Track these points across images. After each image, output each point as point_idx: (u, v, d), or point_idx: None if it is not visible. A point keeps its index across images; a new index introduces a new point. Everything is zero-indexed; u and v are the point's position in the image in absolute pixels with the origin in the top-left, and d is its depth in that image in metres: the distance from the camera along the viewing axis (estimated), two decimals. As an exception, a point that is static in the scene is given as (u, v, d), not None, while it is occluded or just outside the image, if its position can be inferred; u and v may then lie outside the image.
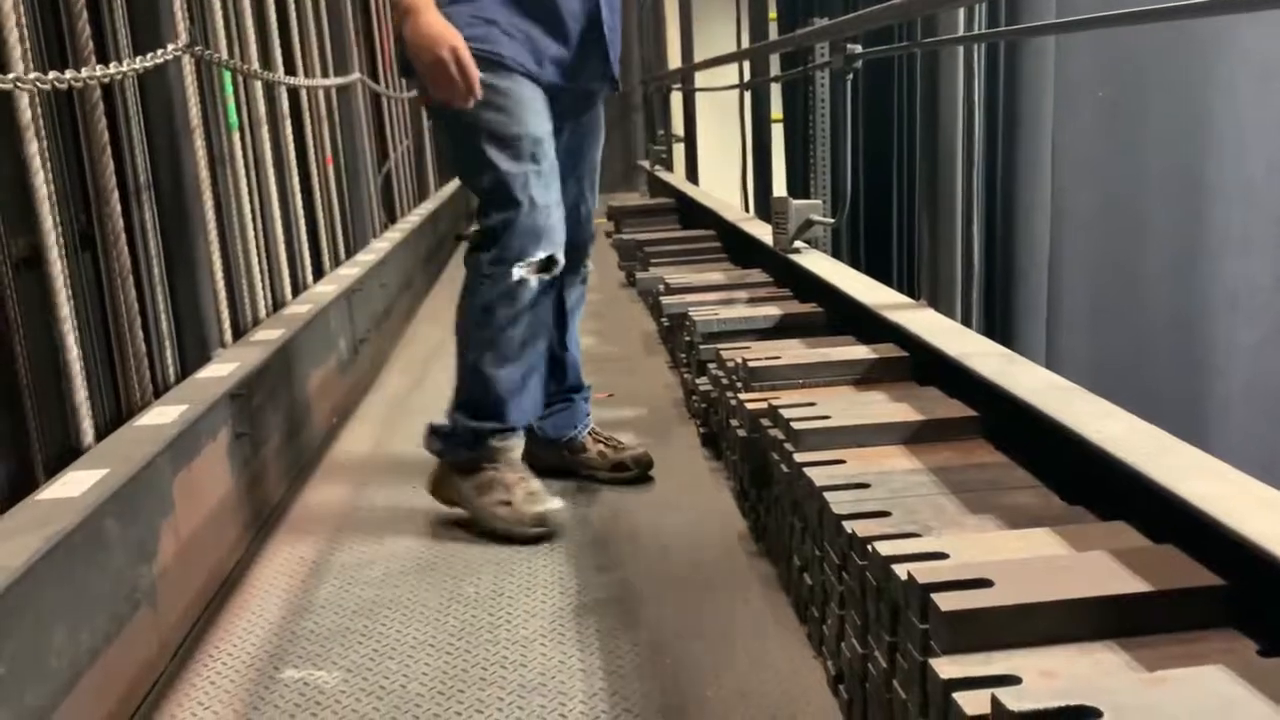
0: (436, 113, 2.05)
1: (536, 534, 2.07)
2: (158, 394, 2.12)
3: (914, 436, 1.73)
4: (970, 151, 2.16)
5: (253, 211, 2.93)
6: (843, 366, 2.05)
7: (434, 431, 2.16)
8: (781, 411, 1.80)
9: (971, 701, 0.98)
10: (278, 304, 3.03)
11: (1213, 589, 1.10)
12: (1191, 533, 1.17)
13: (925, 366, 1.98)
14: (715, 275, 3.44)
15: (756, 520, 2.06)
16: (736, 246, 4.03)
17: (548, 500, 2.10)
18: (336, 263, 4.06)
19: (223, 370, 2.10)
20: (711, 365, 2.48)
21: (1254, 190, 2.72)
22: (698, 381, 2.64)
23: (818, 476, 1.58)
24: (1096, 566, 1.16)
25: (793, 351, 2.16)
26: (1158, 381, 2.70)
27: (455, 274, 5.96)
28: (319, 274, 3.61)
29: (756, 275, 3.40)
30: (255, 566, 2.06)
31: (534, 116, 2.01)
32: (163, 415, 1.78)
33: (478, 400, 2.08)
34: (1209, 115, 2.69)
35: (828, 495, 1.51)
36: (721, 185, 5.79)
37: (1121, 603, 1.09)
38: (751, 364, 2.07)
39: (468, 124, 1.98)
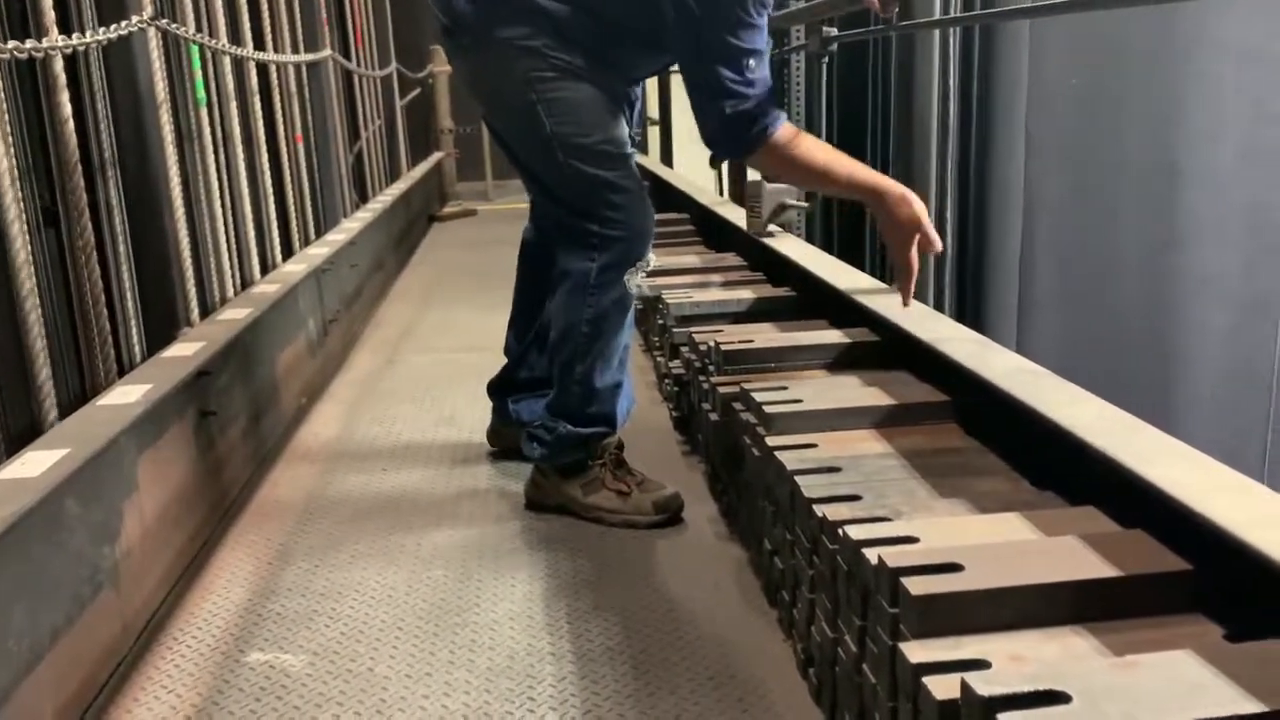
0: (505, 127, 2.04)
1: (660, 520, 2.04)
2: (122, 373, 2.09)
3: (885, 420, 1.72)
4: (944, 137, 2.15)
5: (221, 189, 2.89)
6: (815, 350, 2.04)
7: (533, 439, 2.12)
8: (754, 395, 1.79)
9: (941, 686, 0.98)
10: (246, 283, 2.99)
11: (1181, 574, 1.11)
12: (1160, 518, 1.17)
13: (897, 351, 1.98)
14: (689, 258, 3.43)
15: (728, 504, 2.05)
16: (710, 230, 4.02)
17: (661, 486, 2.08)
18: (306, 242, 4.01)
19: (188, 349, 2.06)
20: (684, 349, 2.47)
21: (1225, 177, 2.73)
22: (670, 365, 2.63)
23: (789, 460, 1.57)
24: (1066, 551, 1.16)
25: (766, 335, 2.16)
26: (1128, 367, 2.72)
27: (428, 256, 5.93)
28: (288, 253, 3.57)
29: (730, 259, 3.38)
30: (221, 549, 2.04)
31: (620, 123, 2.00)
32: (126, 394, 1.75)
33: (583, 408, 2.05)
34: (1182, 102, 2.70)
35: (799, 479, 1.50)
36: (695, 168, 5.77)
37: (1090, 587, 1.09)
38: (725, 348, 2.06)
39: (561, 140, 1.93)
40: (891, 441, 1.65)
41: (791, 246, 2.91)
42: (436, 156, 8.29)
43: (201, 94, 2.78)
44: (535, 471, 2.15)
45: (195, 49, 2.72)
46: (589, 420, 2.05)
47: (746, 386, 1.85)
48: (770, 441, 1.66)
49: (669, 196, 5.08)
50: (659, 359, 2.91)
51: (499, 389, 2.43)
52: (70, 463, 1.43)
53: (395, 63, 6.97)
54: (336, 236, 3.76)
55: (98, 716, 1.49)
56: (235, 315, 2.41)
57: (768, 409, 1.73)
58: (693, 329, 2.44)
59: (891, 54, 2.45)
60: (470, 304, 4.22)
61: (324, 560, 1.98)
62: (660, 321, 2.83)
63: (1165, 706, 0.88)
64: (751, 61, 1.85)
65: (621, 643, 1.65)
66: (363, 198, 5.44)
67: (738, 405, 1.87)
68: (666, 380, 2.72)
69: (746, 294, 2.70)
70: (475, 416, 2.67)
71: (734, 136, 1.92)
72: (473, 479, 2.36)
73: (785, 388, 1.84)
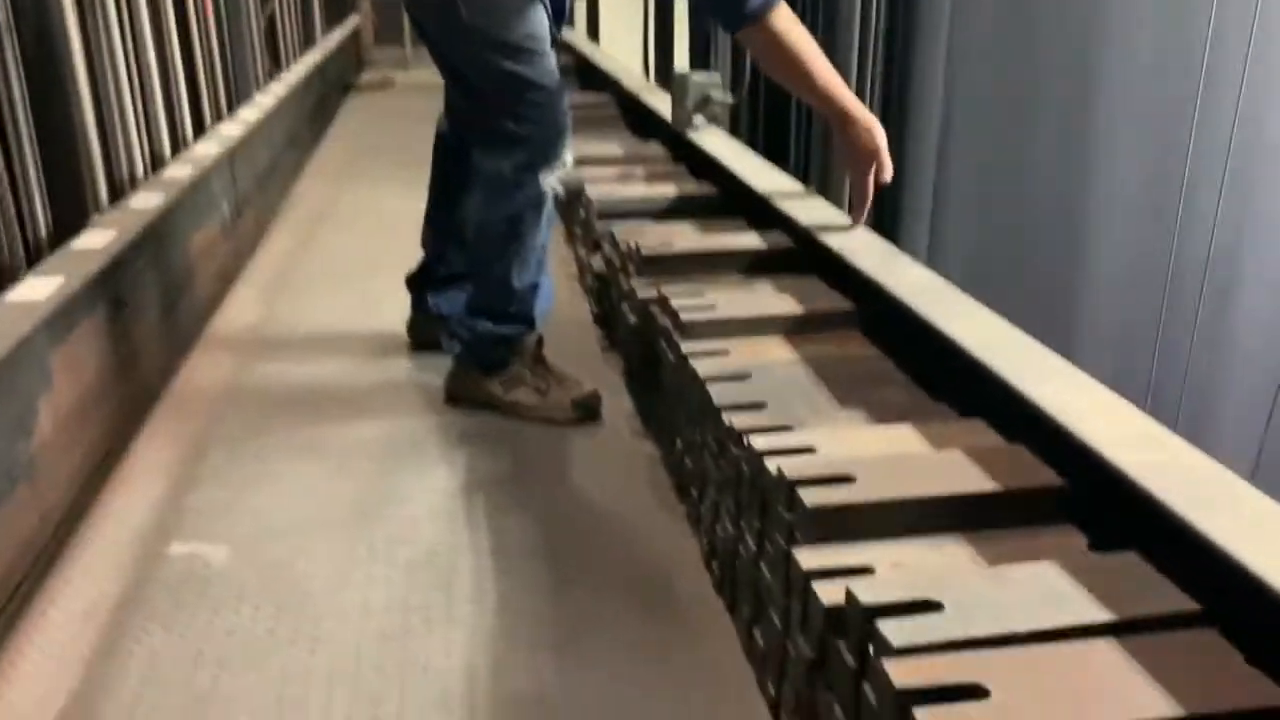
0: (425, 17, 1.98)
1: (578, 418, 2.09)
2: (30, 261, 2.04)
3: (794, 328, 1.78)
4: (865, 40, 2.16)
5: (126, 60, 2.77)
6: (732, 256, 2.08)
7: (453, 336, 2.14)
8: (671, 301, 1.83)
9: (828, 591, 1.06)
10: (155, 160, 2.90)
11: (1053, 489, 1.20)
12: (1039, 433, 1.26)
13: (810, 256, 2.03)
14: (612, 147, 3.41)
15: (644, 402, 2.11)
16: (634, 114, 3.98)
17: (580, 384, 2.12)
18: (217, 115, 3.88)
19: (100, 240, 2.02)
20: (606, 245, 2.49)
21: (1139, 84, 2.80)
22: (591, 260, 2.65)
23: (702, 367, 1.63)
24: (950, 465, 1.24)
25: (685, 239, 2.18)
26: (1037, 271, 2.83)
27: (344, 129, 5.77)
28: (199, 128, 3.45)
29: (654, 149, 3.38)
30: (138, 440, 2.05)
31: (540, 20, 1.96)
32: (38, 289, 1.72)
33: (502, 308, 2.07)
34: (1103, 10, 2.73)
35: (710, 387, 1.56)
36: (623, 47, 5.66)
37: (971, 500, 1.18)
38: (645, 251, 2.09)
39: (479, 33, 1.90)
40: (799, 349, 1.71)
41: (714, 142, 2.92)
42: (353, 21, 7.98)
43: (102, -42, 2.63)
44: (455, 366, 2.18)
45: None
46: (508, 319, 2.08)
47: (664, 291, 1.89)
48: (685, 347, 1.71)
49: (594, 76, 5.01)
50: (580, 252, 2.92)
51: (418, 283, 2.43)
52: (-18, 363, 1.42)
53: (309, -79, 6.62)
54: (250, 113, 3.65)
55: (20, 607, 1.51)
56: (147, 203, 2.35)
57: (684, 315, 1.78)
58: (614, 224, 2.46)
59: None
60: (388, 183, 4.15)
61: (243, 451, 2.00)
62: (583, 214, 2.84)
63: (1027, 615, 0.97)
64: None
65: (537, 537, 1.72)
66: (276, 65, 5.25)
67: (655, 309, 1.92)
68: (588, 274, 2.74)
69: (669, 189, 2.71)
70: (394, 305, 2.66)
71: (728, 2, 1.91)
72: (392, 371, 2.38)
73: (702, 293, 1.89)
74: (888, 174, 1.95)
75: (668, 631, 1.49)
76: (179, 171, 2.67)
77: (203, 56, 3.62)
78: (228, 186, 3.08)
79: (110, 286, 1.99)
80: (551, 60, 1.96)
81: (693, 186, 2.77)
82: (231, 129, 3.31)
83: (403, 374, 2.37)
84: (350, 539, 1.71)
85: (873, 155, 1.93)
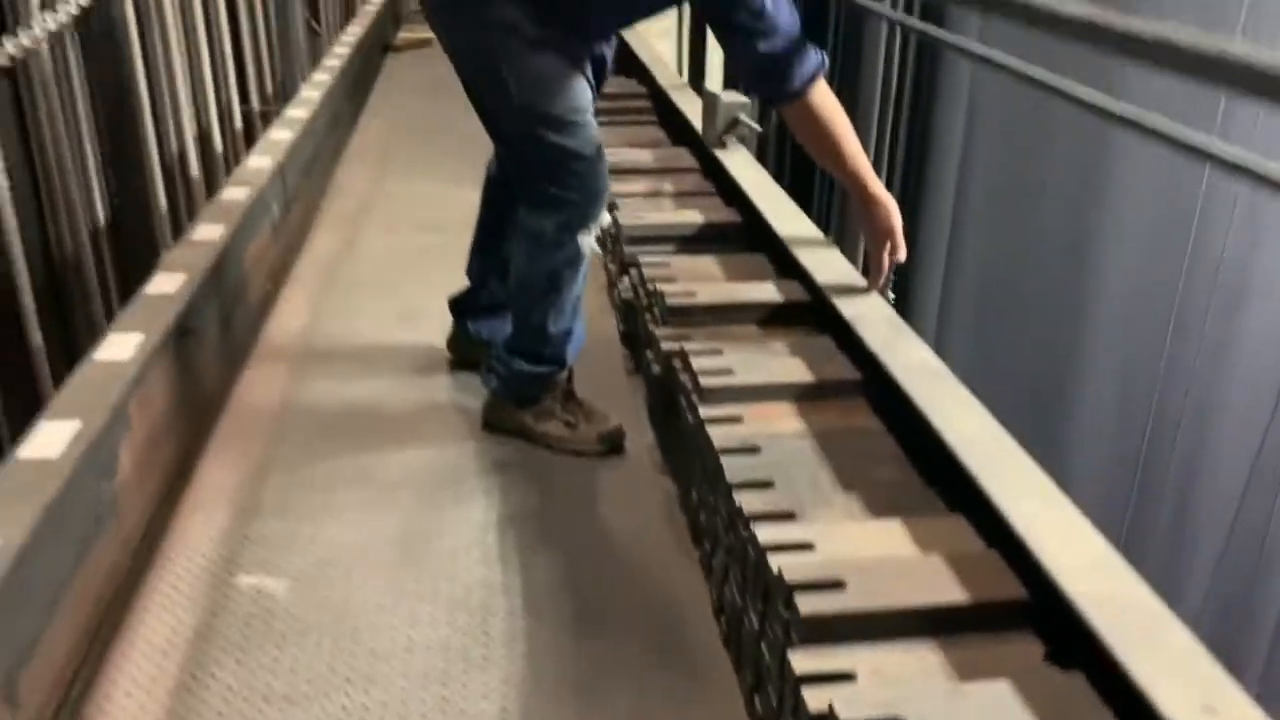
0: (474, 84, 2.12)
1: (603, 451, 2.27)
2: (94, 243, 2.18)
3: (804, 395, 1.94)
4: (887, 88, 2.27)
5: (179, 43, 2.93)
6: (751, 309, 2.24)
7: (490, 370, 2.33)
8: (692, 362, 1.99)
9: (816, 697, 1.24)
10: (204, 137, 3.02)
11: (1018, 602, 1.37)
12: (1009, 543, 1.43)
13: (824, 313, 2.18)
14: (643, 155, 3.52)
15: (664, 440, 2.28)
16: (667, 112, 4.08)
17: (608, 420, 2.30)
18: (264, 98, 4.03)
19: (171, 284, 2.19)
20: (633, 270, 2.64)
21: (1145, 166, 2.90)
22: (620, 281, 2.80)
23: (717, 437, 1.79)
24: (930, 573, 1.41)
25: (708, 288, 2.32)
26: (1039, 328, 2.97)
27: (383, 102, 5.87)
28: (247, 110, 3.59)
29: (685, 158, 3.49)
30: (203, 461, 2.23)
31: (583, 91, 2.09)
32: (120, 348, 1.89)
33: (537, 350, 2.25)
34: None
35: (724, 460, 1.73)
36: (658, 33, 5.69)
37: (945, 611, 1.36)
38: (670, 301, 2.24)
39: (527, 108, 2.04)
40: (807, 419, 1.88)
41: (742, 168, 3.04)
42: (392, -24, 7.99)
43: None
44: (492, 396, 2.36)
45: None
46: (542, 360, 2.25)
47: (686, 348, 2.05)
48: (703, 412, 1.88)
49: (627, 60, 5.07)
50: (610, 266, 3.07)
51: (461, 308, 2.60)
52: (83, 440, 1.60)
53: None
54: (298, 113, 3.77)
55: (110, 636, 1.72)
56: (210, 235, 2.51)
57: (703, 380, 1.94)
58: (642, 251, 2.62)
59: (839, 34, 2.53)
60: (427, 171, 4.26)
61: (299, 477, 2.18)
62: (613, 232, 2.98)
63: (978, 736, 1.15)
64: (766, 2, 1.96)
65: (563, 576, 1.91)
66: (316, 17, 5.41)
67: (677, 364, 2.08)
68: (616, 290, 2.89)
69: (695, 216, 2.84)
70: (434, 316, 2.74)
71: (770, 80, 2.05)
72: (434, 392, 2.55)
73: (720, 352, 2.05)
74: (902, 254, 2.10)
75: (681, 678, 1.68)
76: (237, 193, 2.82)
77: (251, 42, 3.77)
78: (279, 190, 3.24)
79: (180, 325, 2.16)
80: (593, 129, 2.10)
81: (719, 212, 2.90)
82: (282, 134, 3.44)
83: (444, 395, 2.54)
84: (397, 575, 1.90)
85: (889, 234, 2.08)
